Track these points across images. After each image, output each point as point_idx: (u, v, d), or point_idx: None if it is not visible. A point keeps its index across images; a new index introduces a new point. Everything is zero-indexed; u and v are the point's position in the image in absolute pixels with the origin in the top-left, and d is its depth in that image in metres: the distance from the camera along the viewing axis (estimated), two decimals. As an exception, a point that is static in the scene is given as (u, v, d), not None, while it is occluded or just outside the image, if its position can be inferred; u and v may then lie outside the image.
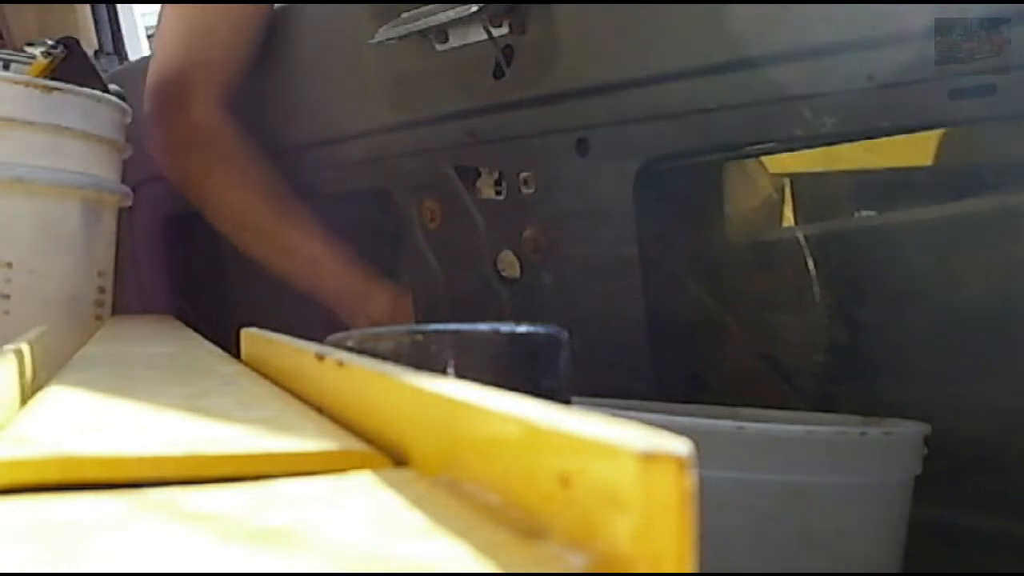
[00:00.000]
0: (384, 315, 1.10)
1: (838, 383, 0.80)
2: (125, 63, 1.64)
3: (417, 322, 1.00)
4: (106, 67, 1.41)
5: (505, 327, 0.44)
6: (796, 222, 0.87)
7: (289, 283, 1.13)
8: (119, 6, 1.65)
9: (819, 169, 0.85)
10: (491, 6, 0.85)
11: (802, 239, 0.79)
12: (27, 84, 1.00)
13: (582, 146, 0.85)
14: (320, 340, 0.43)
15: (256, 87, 1.26)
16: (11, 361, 0.38)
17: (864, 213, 0.88)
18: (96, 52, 1.52)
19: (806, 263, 0.80)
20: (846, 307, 0.80)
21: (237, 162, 1.13)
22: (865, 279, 0.80)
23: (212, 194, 1.15)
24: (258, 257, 1.14)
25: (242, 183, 1.13)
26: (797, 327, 0.82)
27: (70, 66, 1.12)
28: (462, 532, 0.19)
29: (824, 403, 0.78)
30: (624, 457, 0.16)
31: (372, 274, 1.11)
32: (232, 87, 1.14)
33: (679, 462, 0.16)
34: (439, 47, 0.92)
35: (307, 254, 1.12)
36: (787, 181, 0.87)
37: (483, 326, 0.43)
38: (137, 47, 1.68)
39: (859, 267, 0.80)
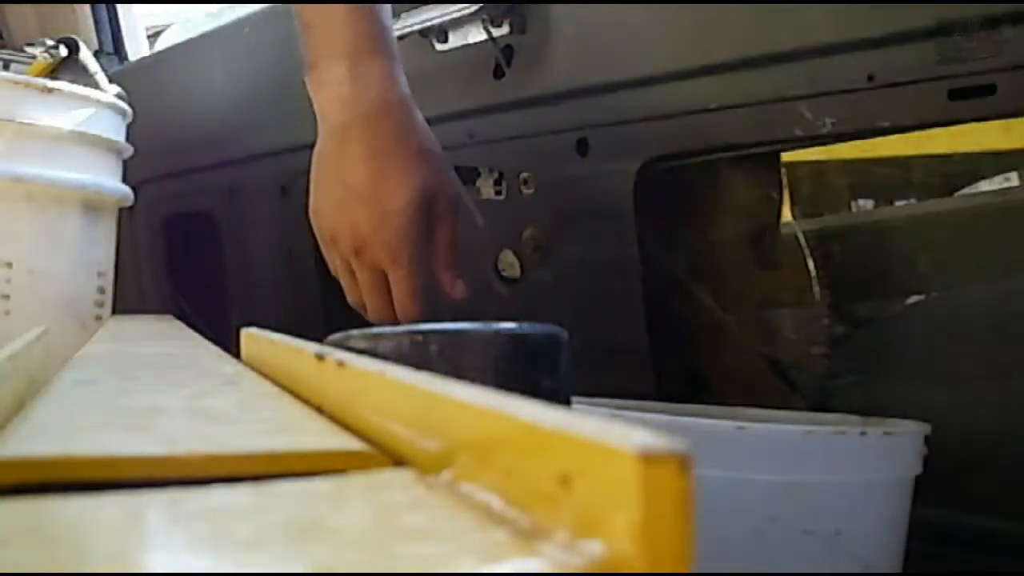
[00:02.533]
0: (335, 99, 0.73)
1: (838, 382, 0.80)
2: (125, 63, 1.64)
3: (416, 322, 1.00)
4: (106, 67, 1.41)
5: (505, 327, 0.45)
6: (793, 215, 0.87)
7: None
8: (119, 6, 1.65)
9: (816, 158, 0.84)
10: (491, 6, 0.85)
11: (801, 236, 0.79)
12: (27, 84, 1.00)
13: (582, 146, 0.85)
14: (320, 340, 0.43)
15: (257, 87, 1.26)
16: (11, 361, 0.38)
17: (862, 203, 0.88)
18: (96, 52, 1.52)
19: (805, 260, 0.80)
20: (846, 304, 0.80)
21: None
22: (865, 276, 0.80)
23: None
24: None
25: None
26: (797, 325, 0.83)
27: (70, 66, 1.12)
28: (462, 532, 0.19)
29: (824, 402, 0.78)
30: (624, 457, 0.16)
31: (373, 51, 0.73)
32: None
33: (679, 462, 0.16)
34: (439, 47, 0.93)
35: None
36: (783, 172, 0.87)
37: (483, 326, 0.43)
38: (137, 47, 1.68)
39: (859, 263, 0.81)
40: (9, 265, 0.97)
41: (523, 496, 0.20)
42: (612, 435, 0.17)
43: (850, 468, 0.55)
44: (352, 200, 0.71)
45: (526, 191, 0.89)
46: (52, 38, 1.30)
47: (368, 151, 0.71)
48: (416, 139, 0.73)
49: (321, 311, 1.20)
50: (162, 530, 0.20)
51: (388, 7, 0.76)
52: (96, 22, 1.63)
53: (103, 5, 1.64)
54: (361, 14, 0.73)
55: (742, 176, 0.83)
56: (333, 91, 0.72)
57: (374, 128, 0.72)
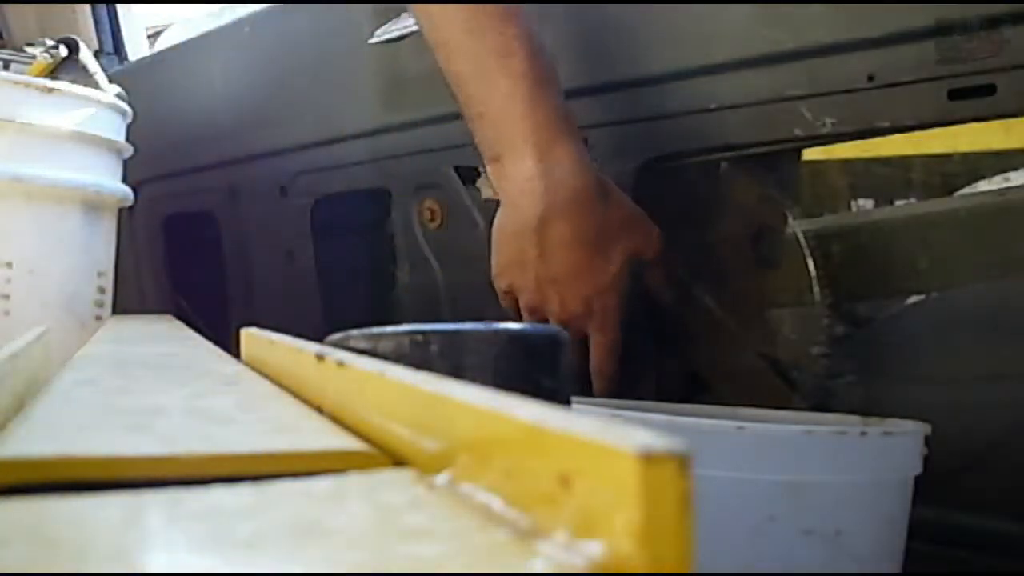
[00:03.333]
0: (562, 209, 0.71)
1: (838, 382, 0.80)
2: (125, 63, 1.64)
3: (415, 322, 1.00)
4: (106, 67, 1.41)
5: (505, 327, 0.44)
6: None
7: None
8: (119, 6, 1.65)
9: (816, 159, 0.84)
10: (491, 6, 0.85)
11: (801, 236, 0.79)
12: (27, 84, 1.00)
13: (582, 146, 0.85)
14: (320, 340, 0.43)
15: (257, 87, 1.26)
16: (11, 361, 0.38)
17: (862, 202, 0.88)
18: (96, 52, 1.52)
19: (805, 260, 0.80)
20: (847, 304, 0.80)
21: None
22: (865, 276, 0.80)
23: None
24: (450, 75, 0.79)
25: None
26: (797, 325, 0.82)
27: (70, 66, 1.12)
28: (462, 532, 0.19)
29: (824, 402, 0.78)
30: (624, 457, 0.16)
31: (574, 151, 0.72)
32: None
33: (679, 462, 0.16)
34: (439, 47, 0.92)
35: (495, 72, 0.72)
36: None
37: (483, 326, 0.43)
38: (137, 47, 1.68)
39: (859, 263, 0.81)
40: (9, 265, 0.97)
41: (523, 496, 0.20)
42: (612, 435, 0.17)
43: (850, 468, 0.55)
44: (558, 284, 0.73)
45: (526, 191, 0.89)
46: (52, 38, 1.30)
47: (571, 242, 0.72)
48: (614, 216, 0.73)
49: (321, 311, 1.20)
50: (162, 530, 0.20)
51: (559, 81, 0.75)
52: (96, 22, 1.63)
53: (103, 5, 1.64)
54: (539, 98, 0.71)
55: (742, 176, 0.83)
56: (523, 184, 0.72)
57: (573, 219, 0.71)
